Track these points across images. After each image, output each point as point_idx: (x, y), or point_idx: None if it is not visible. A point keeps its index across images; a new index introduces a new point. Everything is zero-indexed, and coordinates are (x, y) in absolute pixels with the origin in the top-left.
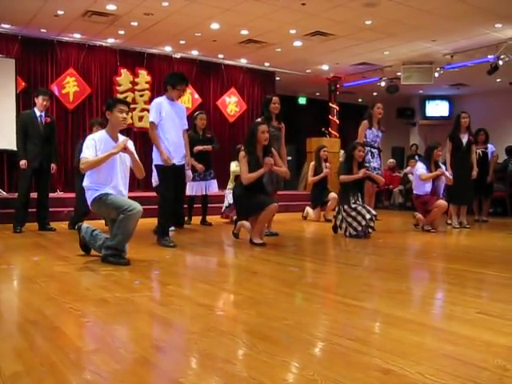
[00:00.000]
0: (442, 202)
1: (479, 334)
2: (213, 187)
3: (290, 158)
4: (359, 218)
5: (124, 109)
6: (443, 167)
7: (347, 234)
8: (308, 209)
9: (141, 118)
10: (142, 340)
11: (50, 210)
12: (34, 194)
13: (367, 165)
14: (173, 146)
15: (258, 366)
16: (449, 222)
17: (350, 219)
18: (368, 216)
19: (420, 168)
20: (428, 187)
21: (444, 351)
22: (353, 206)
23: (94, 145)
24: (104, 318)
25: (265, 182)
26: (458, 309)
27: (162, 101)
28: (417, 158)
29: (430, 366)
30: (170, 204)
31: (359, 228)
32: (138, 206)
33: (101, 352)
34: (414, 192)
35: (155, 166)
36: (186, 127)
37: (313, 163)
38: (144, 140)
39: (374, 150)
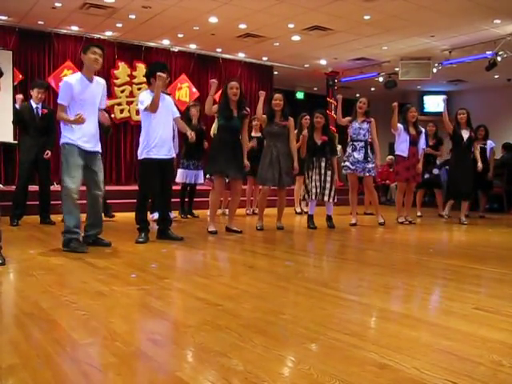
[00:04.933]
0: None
1: (475, 329)
2: (201, 178)
3: None
4: (312, 185)
5: (97, 51)
6: (423, 130)
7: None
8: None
9: (138, 112)
10: (138, 333)
11: None
12: (35, 187)
13: (349, 158)
14: (159, 140)
15: (254, 359)
16: (441, 213)
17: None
18: (320, 186)
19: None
20: (405, 147)
21: (440, 346)
22: (310, 173)
23: (71, 87)
24: (100, 311)
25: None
26: (454, 304)
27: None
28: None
29: (425, 361)
30: (147, 200)
31: (313, 196)
32: (68, 183)
33: (97, 345)
34: (396, 153)
35: (139, 160)
36: (178, 115)
37: (295, 131)
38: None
39: (355, 143)
